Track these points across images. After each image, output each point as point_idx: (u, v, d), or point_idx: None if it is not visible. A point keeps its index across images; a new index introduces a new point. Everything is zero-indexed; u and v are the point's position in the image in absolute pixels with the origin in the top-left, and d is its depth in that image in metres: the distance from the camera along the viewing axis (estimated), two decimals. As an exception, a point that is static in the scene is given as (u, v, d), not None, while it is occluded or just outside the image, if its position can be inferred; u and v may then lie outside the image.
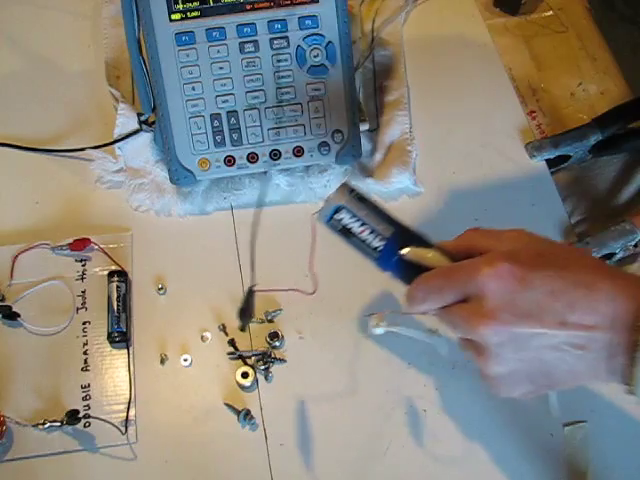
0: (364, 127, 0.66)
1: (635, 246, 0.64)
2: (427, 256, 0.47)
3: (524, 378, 0.45)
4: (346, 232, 0.50)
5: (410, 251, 0.47)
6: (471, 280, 0.43)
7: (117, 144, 0.66)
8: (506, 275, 0.42)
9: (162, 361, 0.59)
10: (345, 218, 0.49)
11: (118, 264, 0.62)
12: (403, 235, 0.48)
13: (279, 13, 0.61)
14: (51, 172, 0.67)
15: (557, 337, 0.42)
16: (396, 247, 0.48)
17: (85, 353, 0.59)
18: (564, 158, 0.69)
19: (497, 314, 0.42)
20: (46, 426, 0.54)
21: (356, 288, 0.62)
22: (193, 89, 0.62)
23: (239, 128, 0.63)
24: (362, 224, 0.49)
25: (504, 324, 0.42)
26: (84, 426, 0.55)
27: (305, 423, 0.57)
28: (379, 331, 0.51)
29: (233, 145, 0.63)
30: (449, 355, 0.52)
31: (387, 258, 0.48)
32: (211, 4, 0.60)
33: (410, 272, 0.47)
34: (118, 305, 0.59)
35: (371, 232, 0.48)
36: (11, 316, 0.59)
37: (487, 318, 0.42)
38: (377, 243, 0.48)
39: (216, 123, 0.63)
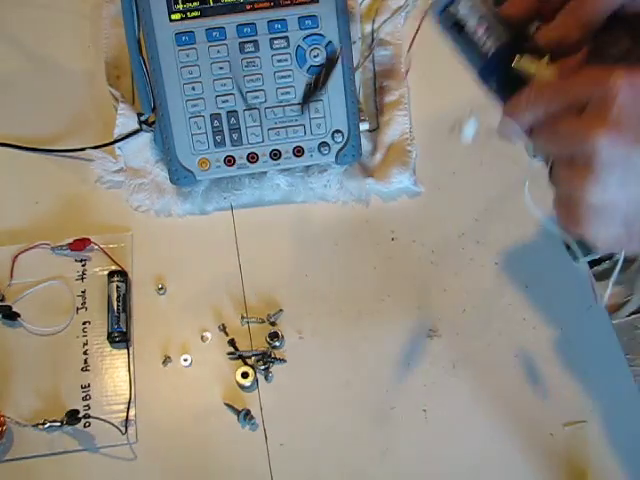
0: (364, 127, 0.66)
1: None
2: (544, 73, 0.40)
3: (620, 217, 0.38)
4: (458, 28, 0.42)
5: (524, 60, 0.41)
6: (601, 83, 0.36)
7: (117, 144, 0.66)
8: None
9: (162, 361, 0.59)
10: (462, 10, 0.42)
11: (118, 264, 0.62)
12: (520, 43, 0.41)
13: (279, 13, 0.61)
14: (51, 172, 0.67)
15: None
16: (509, 54, 0.41)
17: (85, 353, 0.59)
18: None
19: (622, 126, 0.36)
20: (46, 426, 0.54)
21: (356, 288, 0.62)
22: (193, 89, 0.62)
23: (239, 128, 0.63)
24: (480, 20, 0.41)
25: (626, 140, 0.36)
26: (84, 426, 0.55)
27: (305, 423, 0.57)
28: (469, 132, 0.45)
29: (233, 145, 0.63)
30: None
31: (494, 66, 0.42)
32: (211, 4, 0.60)
33: (516, 89, 0.40)
34: (118, 305, 0.59)
35: (486, 31, 0.41)
36: (11, 316, 0.59)
37: (609, 126, 0.36)
38: (488, 46, 0.41)
39: (216, 123, 0.63)
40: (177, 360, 0.59)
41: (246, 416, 0.56)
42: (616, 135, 0.36)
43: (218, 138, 0.63)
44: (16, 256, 0.62)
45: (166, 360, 0.59)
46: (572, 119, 0.38)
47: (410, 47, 0.54)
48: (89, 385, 0.57)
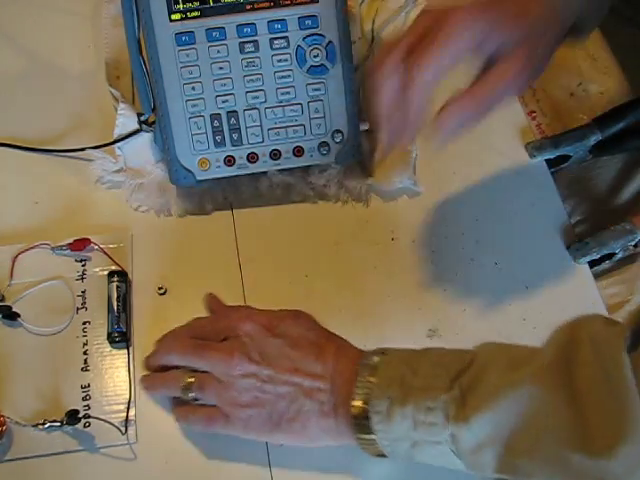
0: (364, 127, 0.66)
1: (635, 246, 0.64)
2: None
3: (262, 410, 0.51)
4: None
5: None
6: (231, 325, 0.54)
7: (117, 144, 0.66)
8: (258, 324, 0.53)
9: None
10: None
11: (118, 264, 0.62)
12: None
13: (279, 13, 0.61)
14: (51, 172, 0.67)
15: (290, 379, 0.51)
16: None
17: (85, 353, 0.59)
18: (564, 158, 0.69)
19: (248, 351, 0.52)
20: (46, 426, 0.54)
21: (356, 288, 0.62)
22: (193, 89, 0.62)
23: (239, 128, 0.63)
24: None
25: (251, 362, 0.51)
26: (84, 426, 0.55)
27: (305, 423, 0.57)
28: None
29: (233, 145, 0.63)
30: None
31: None
32: (211, 4, 0.60)
33: None
34: (118, 305, 0.59)
35: None
36: (11, 316, 0.59)
37: (239, 352, 0.52)
38: None
39: (216, 123, 0.63)
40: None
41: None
42: (245, 359, 0.52)
43: (218, 138, 0.63)
44: (16, 256, 0.62)
45: (166, 360, 0.59)
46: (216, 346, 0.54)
47: None
48: (89, 385, 0.57)
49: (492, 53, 0.48)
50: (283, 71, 0.62)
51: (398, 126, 0.50)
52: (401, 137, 0.51)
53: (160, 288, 0.61)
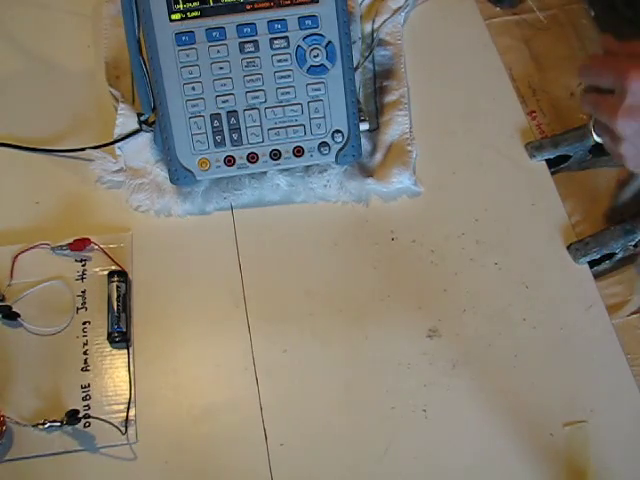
0: (364, 127, 0.66)
1: (635, 246, 0.64)
2: None
3: None
4: None
5: None
6: (619, 77, 0.53)
7: (117, 144, 0.66)
8: None
9: (162, 361, 0.59)
10: None
11: (118, 264, 0.62)
12: None
13: (279, 13, 0.61)
14: (51, 172, 0.67)
15: None
16: None
17: (85, 353, 0.59)
18: (564, 158, 0.69)
19: (634, 112, 0.52)
20: (46, 426, 0.54)
21: (356, 288, 0.62)
22: (193, 89, 0.62)
23: (239, 128, 0.63)
24: None
25: (638, 120, 0.53)
26: (84, 426, 0.55)
27: (305, 423, 0.57)
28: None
29: (233, 145, 0.63)
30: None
31: None
32: (211, 4, 0.60)
33: None
34: (118, 305, 0.59)
35: None
36: (11, 316, 0.59)
37: (625, 114, 0.53)
38: None
39: (216, 123, 0.63)
40: (177, 360, 0.59)
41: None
42: (630, 119, 0.53)
43: (218, 138, 0.63)
44: (16, 256, 0.62)
45: (166, 360, 0.59)
46: (604, 101, 0.55)
47: None
48: (89, 385, 0.57)
49: None
50: (283, 71, 0.62)
51: None
52: None
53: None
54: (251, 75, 0.62)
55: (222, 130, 0.63)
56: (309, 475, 0.55)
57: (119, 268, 0.62)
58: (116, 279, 0.60)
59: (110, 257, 0.62)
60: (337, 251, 0.65)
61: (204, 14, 0.60)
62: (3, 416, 0.55)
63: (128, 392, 0.57)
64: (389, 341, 0.60)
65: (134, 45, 0.61)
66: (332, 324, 0.61)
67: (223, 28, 0.61)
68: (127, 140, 0.66)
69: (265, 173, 0.66)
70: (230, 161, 0.64)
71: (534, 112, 0.73)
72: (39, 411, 0.56)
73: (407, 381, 0.58)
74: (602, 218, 0.68)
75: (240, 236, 0.65)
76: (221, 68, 0.61)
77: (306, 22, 0.61)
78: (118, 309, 0.59)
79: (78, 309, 0.60)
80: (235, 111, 0.63)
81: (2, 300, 0.60)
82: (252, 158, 0.64)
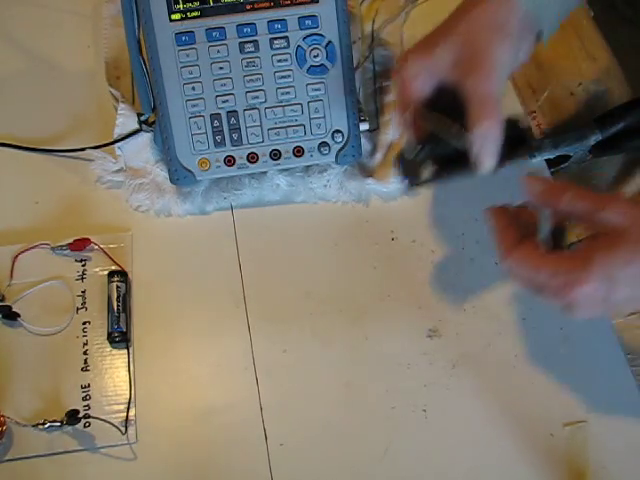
0: (364, 127, 0.66)
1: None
2: None
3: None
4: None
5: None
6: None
7: (117, 144, 0.66)
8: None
9: (162, 361, 0.59)
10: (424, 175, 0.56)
11: (118, 264, 0.62)
12: None
13: (279, 13, 0.61)
14: (51, 172, 0.67)
15: None
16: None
17: (85, 353, 0.59)
18: (564, 158, 0.69)
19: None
20: (46, 426, 0.54)
21: (356, 288, 0.62)
22: (193, 89, 0.62)
23: (239, 128, 0.63)
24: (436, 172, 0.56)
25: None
26: (84, 426, 0.55)
27: (305, 423, 0.57)
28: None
29: (233, 145, 0.63)
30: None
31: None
32: (211, 4, 0.60)
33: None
34: (118, 305, 0.59)
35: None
36: (11, 316, 0.59)
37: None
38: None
39: (216, 123, 0.63)
40: (177, 360, 0.59)
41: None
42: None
43: (218, 138, 0.63)
44: (16, 256, 0.62)
45: (166, 360, 0.59)
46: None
47: None
48: (89, 385, 0.57)
49: None
50: (283, 71, 0.62)
51: None
52: None
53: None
54: (251, 75, 0.62)
55: (222, 130, 0.63)
56: (309, 475, 0.55)
57: (119, 268, 0.62)
58: (116, 279, 0.60)
59: (110, 257, 0.62)
60: (337, 251, 0.65)
61: (204, 14, 0.60)
62: (3, 416, 0.55)
63: (128, 392, 0.57)
64: (389, 341, 0.60)
65: (134, 45, 0.61)
66: (332, 324, 0.61)
67: (223, 28, 0.61)
68: (127, 140, 0.66)
69: (265, 173, 0.66)
70: (230, 161, 0.64)
71: (534, 112, 0.73)
72: (39, 411, 0.56)
73: (407, 381, 0.58)
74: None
75: (240, 236, 0.65)
76: (221, 68, 0.61)
77: (306, 22, 0.61)
78: (118, 309, 0.59)
79: (78, 309, 0.60)
80: (235, 111, 0.63)
81: (2, 300, 0.60)
82: (252, 158, 0.64)
